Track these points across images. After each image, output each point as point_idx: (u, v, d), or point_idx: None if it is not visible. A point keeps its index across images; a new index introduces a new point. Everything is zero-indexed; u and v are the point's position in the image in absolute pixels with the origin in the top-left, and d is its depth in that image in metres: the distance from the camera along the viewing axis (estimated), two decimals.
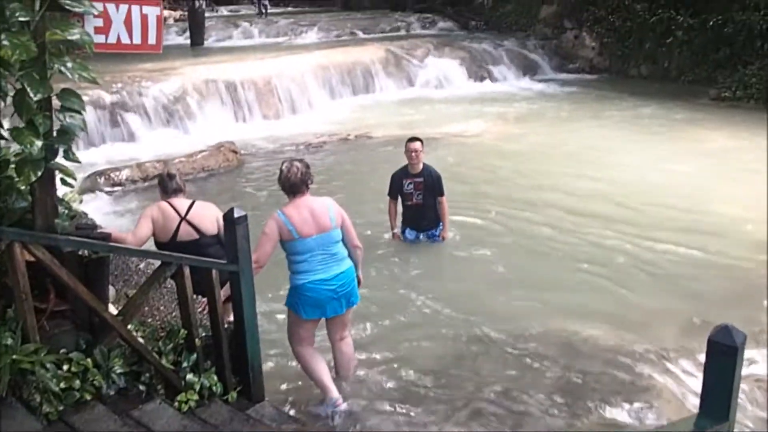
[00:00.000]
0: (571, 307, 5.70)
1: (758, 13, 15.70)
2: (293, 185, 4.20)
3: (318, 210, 4.18)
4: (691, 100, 15.08)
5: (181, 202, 4.75)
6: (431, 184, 6.74)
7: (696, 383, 4.35)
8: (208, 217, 4.72)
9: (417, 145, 6.68)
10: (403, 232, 7.00)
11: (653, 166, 9.80)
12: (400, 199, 6.91)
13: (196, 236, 4.63)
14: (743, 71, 15.43)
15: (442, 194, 6.81)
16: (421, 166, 6.74)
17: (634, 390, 4.49)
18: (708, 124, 12.78)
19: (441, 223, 6.96)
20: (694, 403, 4.23)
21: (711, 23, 16.54)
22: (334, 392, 4.19)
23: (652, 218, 7.72)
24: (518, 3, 21.85)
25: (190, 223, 4.64)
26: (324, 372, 4.27)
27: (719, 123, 12.81)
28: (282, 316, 4.97)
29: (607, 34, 19.07)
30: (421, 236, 7.00)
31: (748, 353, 4.59)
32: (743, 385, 4.33)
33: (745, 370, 4.39)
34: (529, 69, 19.06)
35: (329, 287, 4.16)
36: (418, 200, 6.80)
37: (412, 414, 4.27)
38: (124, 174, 9.29)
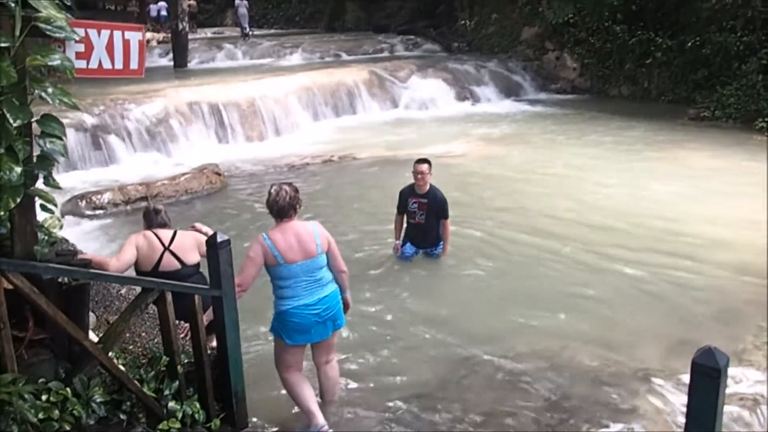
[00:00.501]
0: (556, 327, 5.71)
1: (735, 35, 16.00)
2: (281, 209, 4.18)
3: (304, 236, 4.16)
4: (670, 120, 15.29)
5: (165, 233, 4.84)
6: (435, 206, 6.85)
7: (681, 403, 4.36)
8: (190, 246, 4.81)
9: (424, 167, 6.80)
10: (403, 245, 7.09)
11: (635, 186, 9.90)
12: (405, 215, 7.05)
13: (178, 266, 4.72)
14: (721, 91, 15.69)
15: (446, 217, 6.95)
16: (427, 187, 6.85)
17: (620, 411, 4.49)
18: (688, 144, 12.94)
19: (441, 243, 7.05)
20: (679, 423, 4.23)
21: (689, 44, 16.84)
22: (319, 418, 4.14)
23: (635, 238, 7.77)
24: (500, 25, 22.11)
25: (173, 254, 4.73)
26: (310, 397, 4.23)
27: (699, 143, 12.98)
28: (266, 341, 4.93)
29: (587, 55, 19.34)
30: (420, 252, 7.10)
31: (732, 372, 4.63)
32: (727, 405, 4.35)
33: (729, 389, 4.43)
34: (511, 90, 19.27)
35: (314, 311, 4.13)
36: (421, 220, 6.91)
37: None
38: (106, 197, 9.20)
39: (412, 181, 6.95)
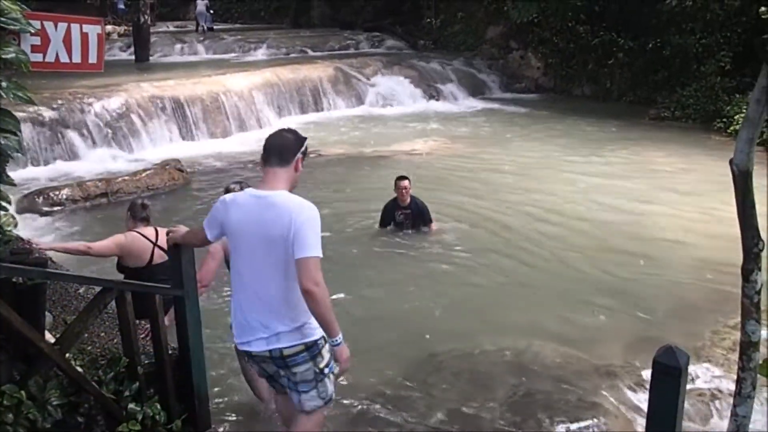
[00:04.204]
0: (519, 325, 5.75)
1: (694, 37, 16.35)
2: None
3: None
4: (631, 120, 15.56)
5: (148, 230, 5.05)
6: (418, 213, 7.72)
7: (642, 400, 4.43)
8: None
9: (406, 183, 7.63)
10: None
11: (596, 185, 10.05)
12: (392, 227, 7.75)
13: (166, 258, 4.69)
14: (681, 92, 16.03)
15: (430, 221, 7.75)
16: (409, 199, 7.65)
17: (582, 407, 4.53)
18: (648, 143, 13.18)
19: None
20: (640, 419, 4.30)
21: (650, 46, 17.15)
22: (264, 393, 4.14)
23: (596, 235, 7.89)
24: (465, 23, 22.22)
25: (161, 248, 4.89)
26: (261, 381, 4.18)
27: (659, 142, 13.24)
28: (229, 341, 4.86)
29: (551, 55, 19.56)
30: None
31: (691, 368, 4.71)
32: (687, 400, 4.43)
33: (689, 385, 4.51)
34: (476, 88, 19.39)
35: None
36: (408, 229, 7.72)
37: None
38: (64, 193, 8.98)
39: (391, 194, 7.68)
